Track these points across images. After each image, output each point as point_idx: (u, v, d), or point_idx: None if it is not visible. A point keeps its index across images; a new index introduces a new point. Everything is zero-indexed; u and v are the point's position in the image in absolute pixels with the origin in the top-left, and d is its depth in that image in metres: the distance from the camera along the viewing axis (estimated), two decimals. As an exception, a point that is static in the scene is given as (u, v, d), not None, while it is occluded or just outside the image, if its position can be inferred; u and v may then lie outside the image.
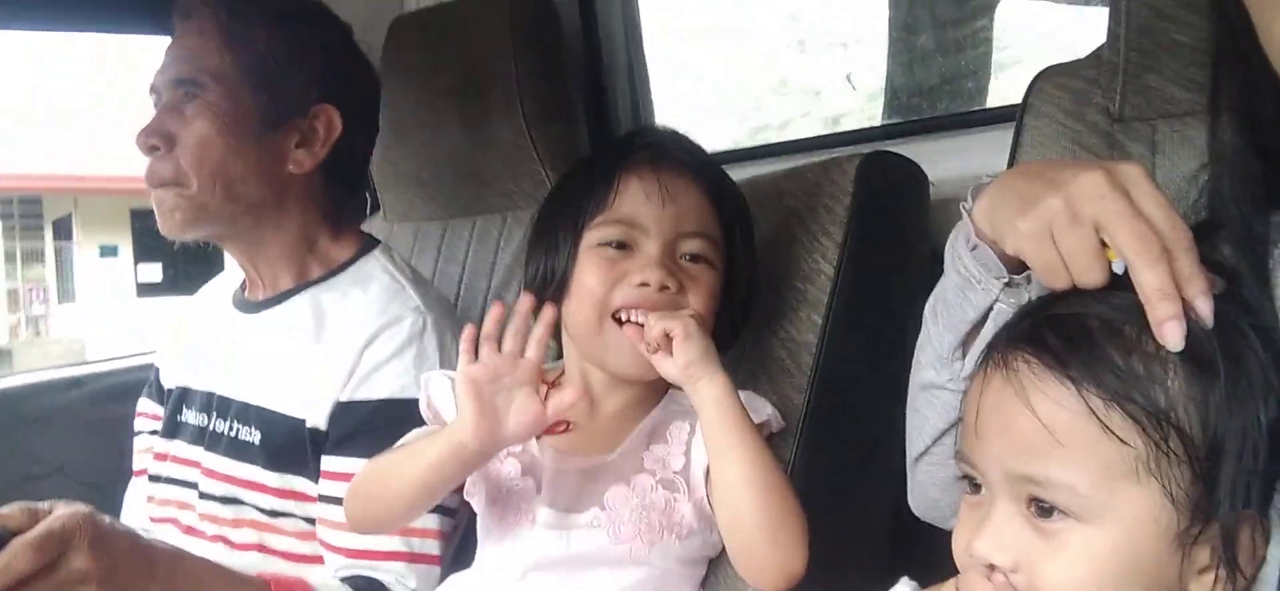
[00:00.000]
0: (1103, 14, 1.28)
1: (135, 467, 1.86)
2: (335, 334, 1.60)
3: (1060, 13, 2.31)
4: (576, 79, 2.28)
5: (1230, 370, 0.81)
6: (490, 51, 1.93)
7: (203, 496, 1.65)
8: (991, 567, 0.86)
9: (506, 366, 1.22)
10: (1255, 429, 0.80)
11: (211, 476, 1.64)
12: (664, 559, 1.30)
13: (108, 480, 1.88)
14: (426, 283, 1.75)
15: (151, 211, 1.61)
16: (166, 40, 1.65)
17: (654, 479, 1.30)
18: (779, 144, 2.39)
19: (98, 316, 17.26)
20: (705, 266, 1.32)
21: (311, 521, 1.57)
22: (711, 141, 1.43)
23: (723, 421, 1.21)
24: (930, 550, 1.05)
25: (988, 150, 1.53)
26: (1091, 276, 0.85)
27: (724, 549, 1.33)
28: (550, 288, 1.35)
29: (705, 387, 1.22)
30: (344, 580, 1.47)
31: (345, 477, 1.50)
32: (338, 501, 1.50)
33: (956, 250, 1.01)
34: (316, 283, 1.67)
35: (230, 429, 1.64)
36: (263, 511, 1.59)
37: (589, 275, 1.31)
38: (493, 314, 1.25)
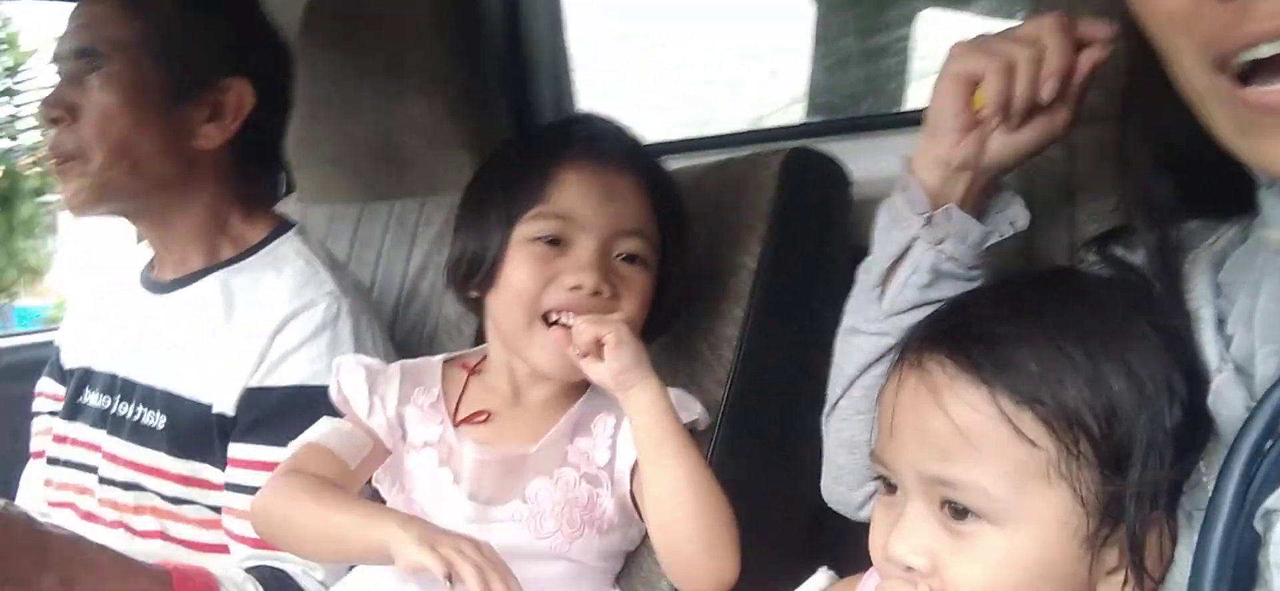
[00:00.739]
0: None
1: (32, 450, 1.79)
2: (246, 317, 1.55)
3: (981, 24, 2.34)
4: (498, 62, 2.24)
5: (1137, 375, 0.82)
6: (411, 31, 1.88)
7: (103, 481, 1.59)
8: (909, 569, 0.87)
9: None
10: (1161, 432, 0.82)
11: (113, 461, 1.58)
12: (583, 553, 1.28)
13: (2, 462, 1.81)
14: (342, 267, 1.71)
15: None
16: (69, 6, 1.59)
17: (578, 473, 1.29)
18: (703, 138, 2.38)
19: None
20: (640, 268, 1.29)
21: (216, 510, 1.52)
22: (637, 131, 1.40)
23: (655, 430, 1.20)
24: (845, 546, 1.06)
25: (909, 150, 1.53)
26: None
27: (641, 544, 1.33)
28: (476, 276, 1.32)
29: (637, 395, 1.20)
30: (249, 571, 1.43)
31: (253, 465, 1.46)
32: (244, 490, 1.46)
33: (889, 198, 1.04)
34: (227, 264, 1.62)
35: (134, 412, 1.58)
36: (165, 498, 1.54)
37: (520, 272, 1.28)
38: None
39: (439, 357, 1.42)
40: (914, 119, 1.80)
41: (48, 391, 1.80)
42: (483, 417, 1.33)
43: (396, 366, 1.39)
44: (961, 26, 2.36)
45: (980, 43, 0.98)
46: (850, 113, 2.35)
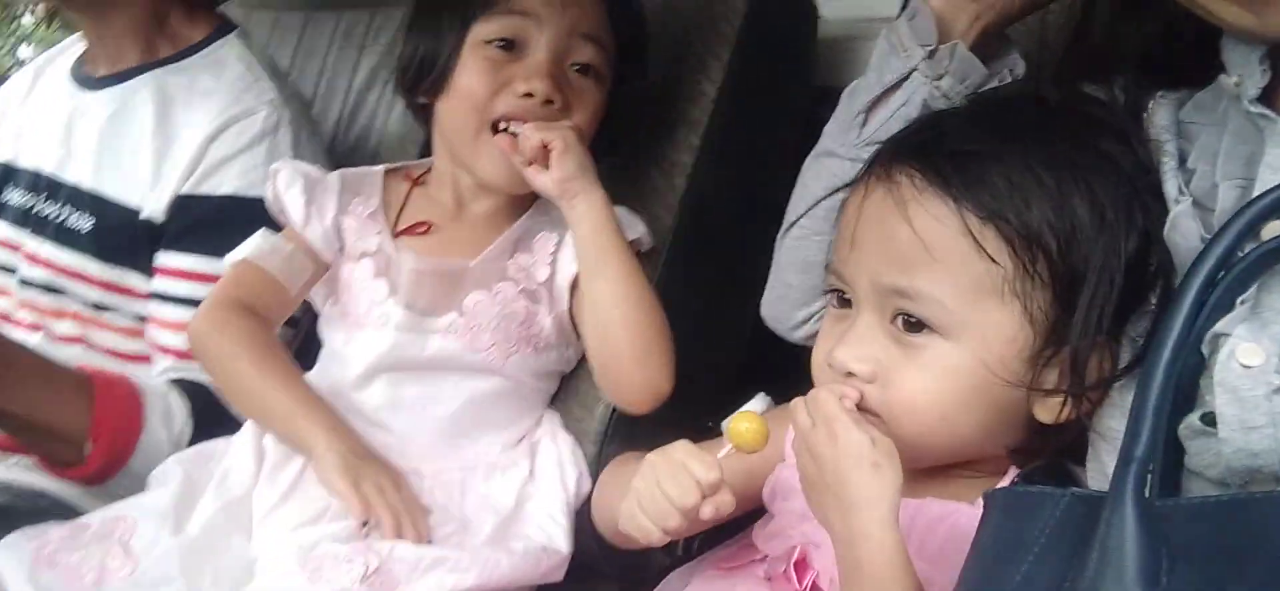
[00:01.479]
0: None
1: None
2: (181, 121, 1.49)
3: None
4: None
5: (1100, 201, 0.82)
6: None
7: (23, 283, 1.53)
8: (849, 375, 0.86)
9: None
10: (1116, 258, 0.82)
11: (33, 261, 1.52)
12: (518, 370, 1.26)
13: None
14: (284, 76, 1.64)
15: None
16: None
17: (516, 288, 1.26)
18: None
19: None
20: (593, 81, 1.25)
21: (141, 319, 1.47)
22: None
23: (597, 239, 1.17)
24: (779, 378, 1.04)
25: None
26: None
27: (578, 366, 1.30)
28: (426, 80, 1.27)
29: (581, 204, 1.17)
30: (172, 383, 1.38)
31: (181, 275, 1.42)
32: (171, 300, 1.42)
33: (893, 23, 1.01)
34: (164, 63, 1.55)
35: (58, 213, 1.52)
36: (88, 304, 1.49)
37: (471, 77, 1.23)
38: None
39: (380, 167, 1.37)
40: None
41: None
42: (423, 229, 1.29)
43: (335, 175, 1.34)
44: None
45: None
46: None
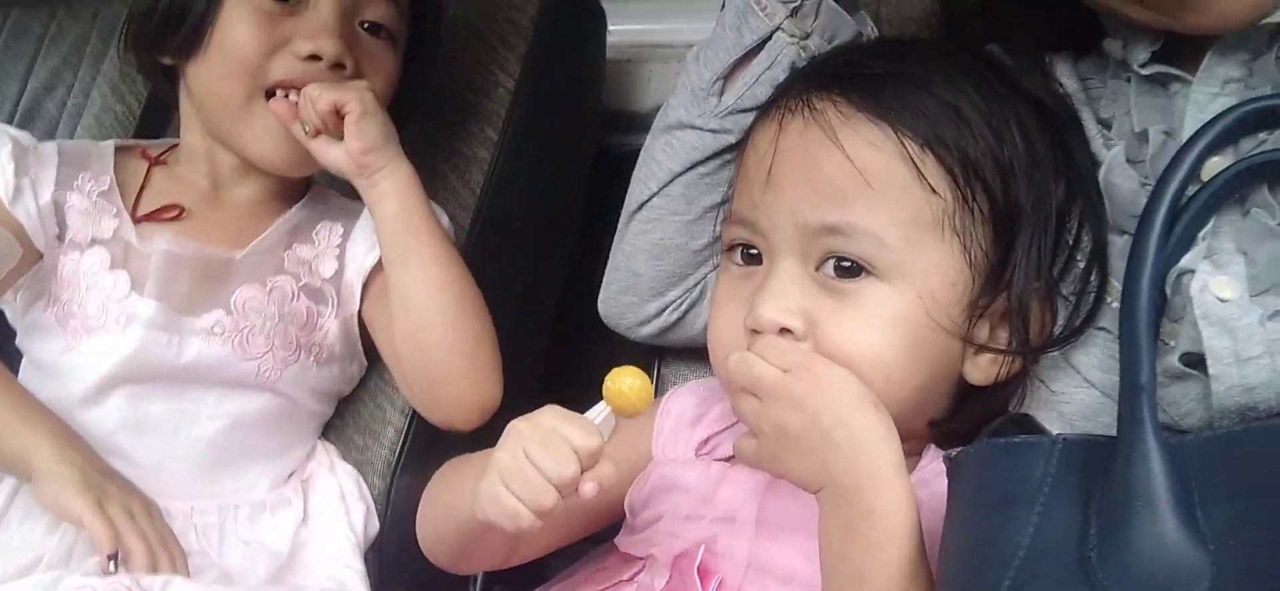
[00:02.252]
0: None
1: None
2: None
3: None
4: None
5: (1031, 137, 0.78)
6: None
7: None
8: (783, 332, 0.75)
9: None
10: (1049, 200, 0.78)
11: None
12: (294, 386, 1.04)
13: None
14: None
15: None
16: None
17: (296, 284, 1.04)
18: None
19: None
20: (387, 44, 1.06)
21: None
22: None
23: (407, 219, 0.98)
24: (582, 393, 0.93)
25: (666, 15, 1.43)
26: None
27: (356, 387, 1.10)
28: (174, 37, 1.02)
29: (385, 179, 0.98)
30: None
31: None
32: None
33: None
34: None
35: None
36: None
37: (241, 30, 1.00)
38: None
39: (108, 142, 1.10)
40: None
41: None
42: (173, 214, 1.04)
43: (51, 145, 1.07)
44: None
45: None
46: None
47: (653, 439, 0.89)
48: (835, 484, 0.69)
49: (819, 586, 0.72)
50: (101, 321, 0.98)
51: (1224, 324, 0.67)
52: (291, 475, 1.06)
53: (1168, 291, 0.69)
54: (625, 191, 0.98)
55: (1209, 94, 0.74)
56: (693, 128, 0.92)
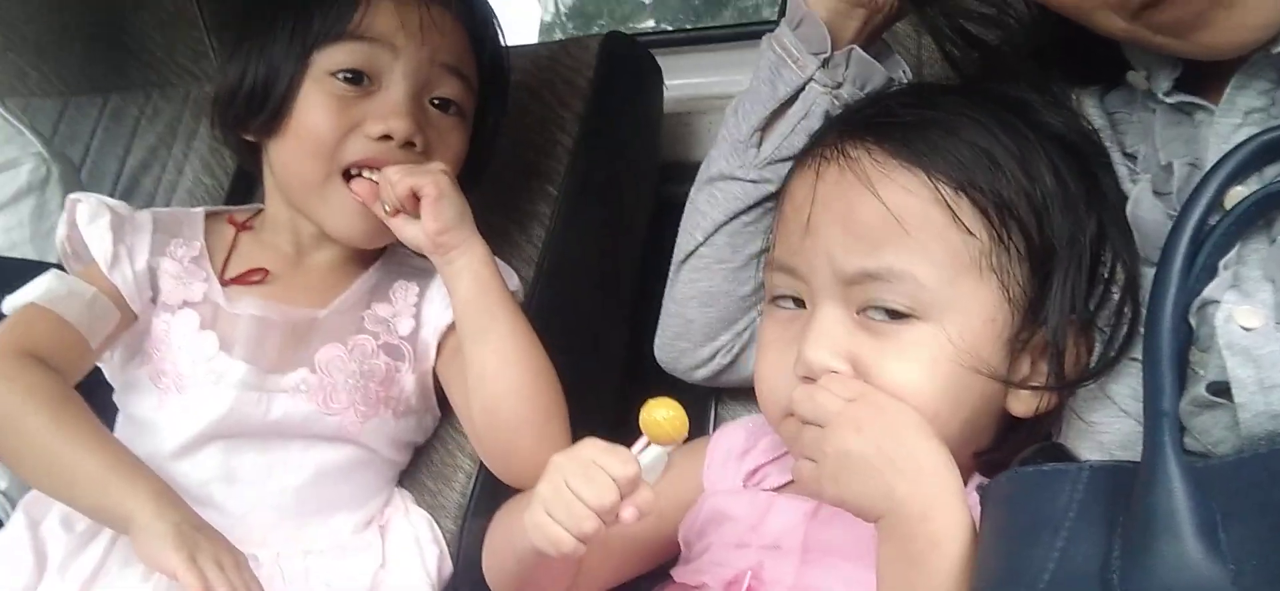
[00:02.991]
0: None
1: None
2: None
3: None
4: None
5: (1062, 175, 0.80)
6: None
7: None
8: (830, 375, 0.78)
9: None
10: (1082, 236, 0.80)
11: None
12: (375, 438, 1.10)
13: None
14: (48, 138, 1.43)
15: None
16: None
17: (376, 342, 1.10)
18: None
19: None
20: (456, 119, 1.10)
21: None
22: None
23: (484, 298, 1.02)
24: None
25: (722, 67, 1.48)
26: None
27: (433, 436, 1.16)
28: (257, 117, 1.08)
29: (460, 259, 1.02)
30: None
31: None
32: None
33: (775, 34, 0.94)
34: None
35: None
36: None
37: (316, 114, 1.05)
38: None
39: (199, 209, 1.18)
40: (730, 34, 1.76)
41: None
42: (259, 277, 1.11)
43: (147, 213, 1.14)
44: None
45: None
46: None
47: (703, 472, 0.93)
48: (900, 511, 0.71)
49: None
50: (192, 380, 1.05)
51: (1248, 353, 0.68)
52: (371, 521, 1.11)
53: (1193, 322, 0.71)
54: (682, 241, 1.02)
55: (1232, 124, 0.76)
56: (734, 179, 0.96)
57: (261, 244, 1.15)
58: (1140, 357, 0.77)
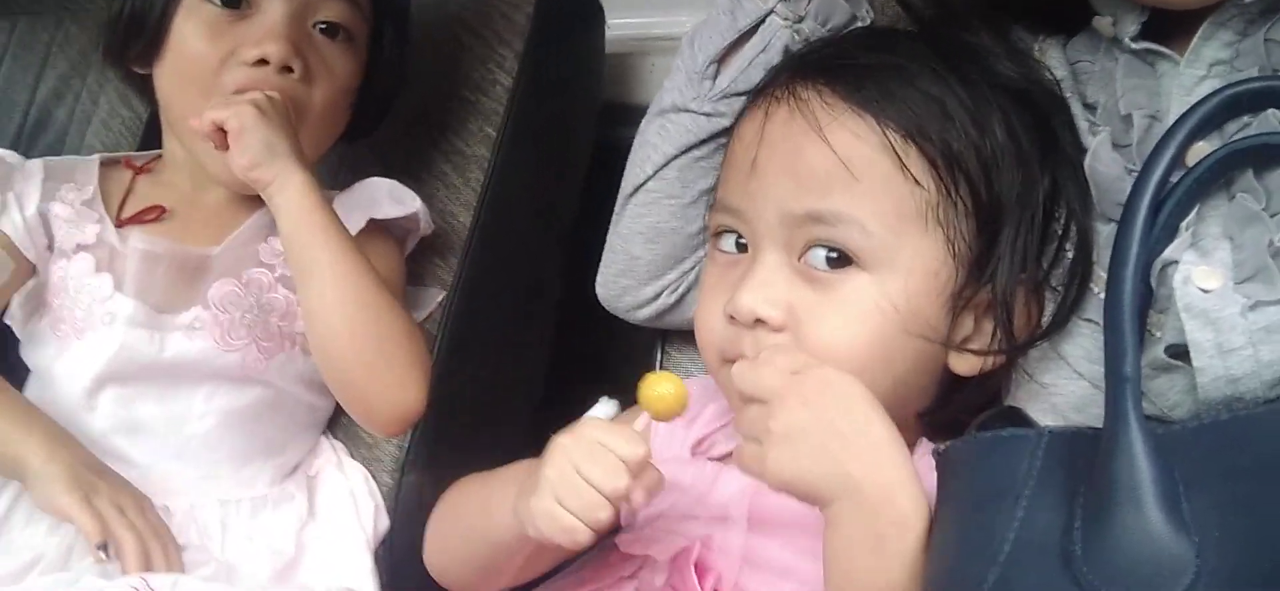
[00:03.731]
0: None
1: None
2: None
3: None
4: None
5: (1015, 130, 0.78)
6: None
7: None
8: (757, 323, 0.77)
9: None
10: (1034, 192, 0.78)
11: None
12: (284, 376, 1.05)
13: None
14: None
15: None
16: None
17: (272, 275, 1.05)
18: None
19: None
20: (344, 46, 1.05)
21: None
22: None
23: (301, 234, 0.95)
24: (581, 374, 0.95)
25: (665, 6, 1.43)
26: None
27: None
28: (136, 43, 1.04)
29: (277, 193, 0.95)
30: None
31: None
32: None
33: None
34: None
35: None
36: None
37: (192, 40, 1.01)
38: None
39: (94, 156, 1.12)
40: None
41: None
42: (154, 215, 1.05)
43: (37, 162, 1.08)
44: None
45: None
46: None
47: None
48: (857, 493, 0.66)
49: (816, 579, 0.72)
50: (88, 323, 1.00)
51: (1206, 316, 0.66)
52: (295, 470, 1.07)
53: (1153, 283, 0.69)
54: (625, 181, 0.99)
55: (1195, 76, 0.74)
56: (687, 111, 0.93)
57: (160, 184, 1.10)
58: (1093, 318, 0.77)
